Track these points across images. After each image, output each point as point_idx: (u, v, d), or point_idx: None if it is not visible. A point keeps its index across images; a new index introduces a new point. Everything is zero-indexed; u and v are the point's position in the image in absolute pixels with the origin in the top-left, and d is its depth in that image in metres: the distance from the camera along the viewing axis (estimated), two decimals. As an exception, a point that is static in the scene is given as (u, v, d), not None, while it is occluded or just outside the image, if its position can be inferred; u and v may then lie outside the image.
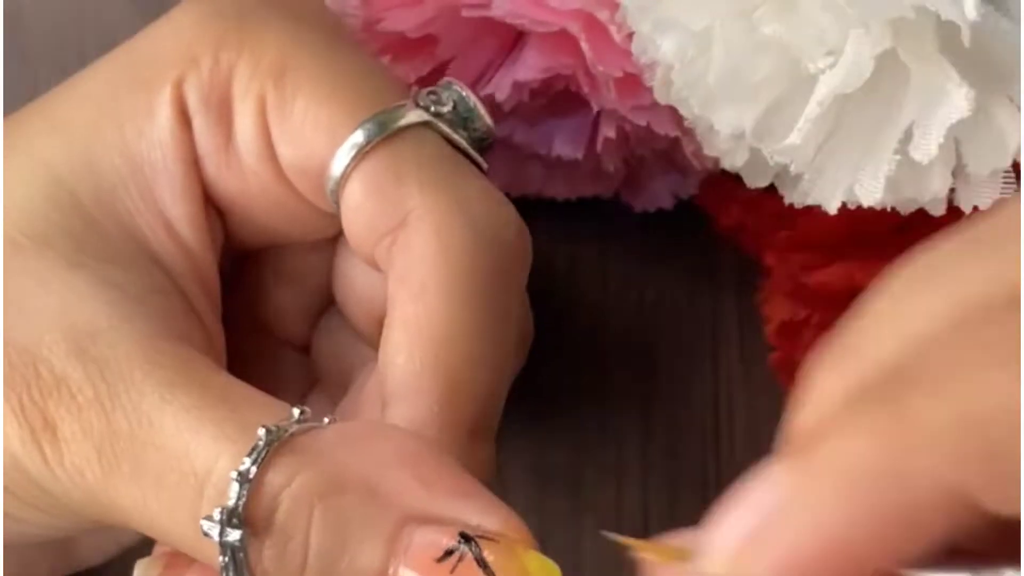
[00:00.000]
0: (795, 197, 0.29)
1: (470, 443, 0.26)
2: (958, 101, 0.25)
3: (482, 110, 0.28)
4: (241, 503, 0.22)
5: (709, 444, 0.37)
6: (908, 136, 0.26)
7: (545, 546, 0.23)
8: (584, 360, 0.38)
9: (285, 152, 0.27)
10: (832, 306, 0.33)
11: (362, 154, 0.26)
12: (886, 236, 0.32)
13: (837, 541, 0.17)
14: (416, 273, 0.26)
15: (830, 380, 0.19)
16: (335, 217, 0.28)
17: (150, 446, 0.24)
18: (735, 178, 0.31)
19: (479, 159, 0.28)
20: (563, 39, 0.30)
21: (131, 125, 0.27)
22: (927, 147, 0.26)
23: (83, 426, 0.24)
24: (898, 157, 0.26)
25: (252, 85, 0.27)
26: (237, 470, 0.22)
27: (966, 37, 0.24)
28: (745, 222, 0.36)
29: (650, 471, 0.37)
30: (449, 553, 0.22)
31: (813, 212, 0.29)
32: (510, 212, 0.28)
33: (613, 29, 0.30)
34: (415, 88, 0.28)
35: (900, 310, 0.19)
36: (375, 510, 0.23)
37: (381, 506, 0.23)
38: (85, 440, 0.24)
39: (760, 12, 0.26)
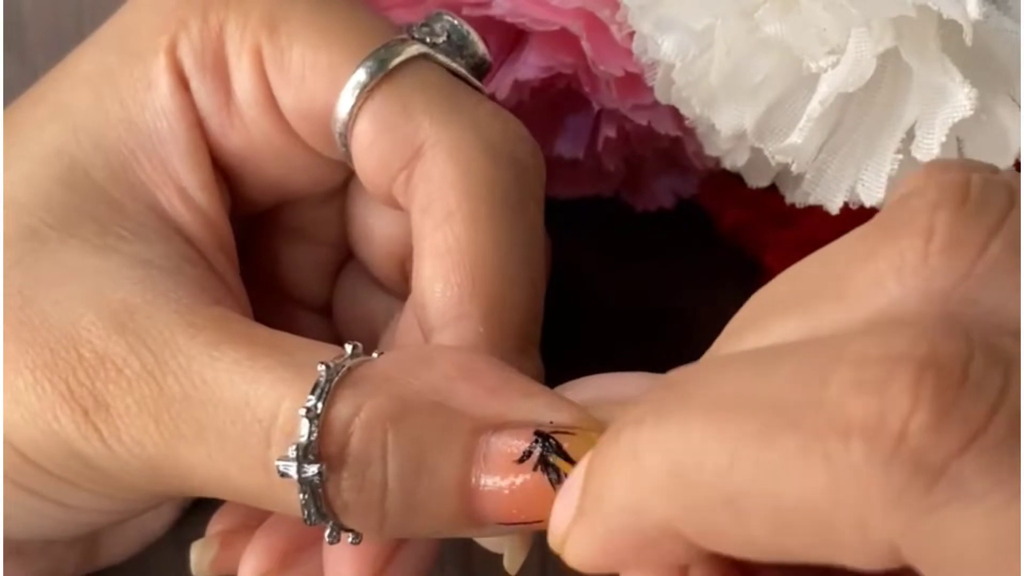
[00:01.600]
0: (796, 197, 0.29)
1: (517, 358, 0.26)
2: (960, 100, 0.25)
3: (475, 37, 0.28)
4: (313, 438, 0.22)
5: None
6: (910, 135, 0.26)
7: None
8: (584, 360, 0.38)
9: (287, 101, 0.27)
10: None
11: (366, 92, 0.26)
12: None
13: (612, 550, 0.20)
14: (439, 201, 0.26)
15: None
16: (342, 164, 0.28)
17: (208, 404, 0.23)
18: (736, 178, 0.31)
19: (479, 84, 0.28)
20: (564, 38, 0.30)
21: (132, 98, 0.27)
22: (929, 146, 0.25)
23: (136, 398, 0.24)
24: (900, 156, 0.26)
25: (245, 39, 0.27)
26: (304, 407, 0.22)
27: (968, 36, 0.24)
28: (745, 222, 0.36)
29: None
30: (528, 454, 0.22)
31: (814, 212, 0.29)
32: (521, 129, 0.27)
33: (614, 28, 0.30)
34: (407, 24, 0.28)
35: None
36: (447, 424, 0.22)
37: (453, 419, 0.22)
38: (140, 412, 0.24)
39: (762, 11, 0.26)
